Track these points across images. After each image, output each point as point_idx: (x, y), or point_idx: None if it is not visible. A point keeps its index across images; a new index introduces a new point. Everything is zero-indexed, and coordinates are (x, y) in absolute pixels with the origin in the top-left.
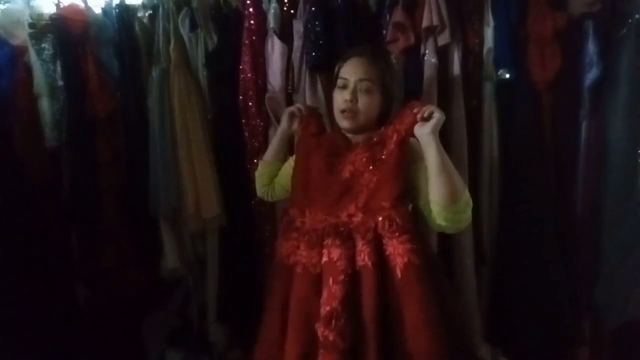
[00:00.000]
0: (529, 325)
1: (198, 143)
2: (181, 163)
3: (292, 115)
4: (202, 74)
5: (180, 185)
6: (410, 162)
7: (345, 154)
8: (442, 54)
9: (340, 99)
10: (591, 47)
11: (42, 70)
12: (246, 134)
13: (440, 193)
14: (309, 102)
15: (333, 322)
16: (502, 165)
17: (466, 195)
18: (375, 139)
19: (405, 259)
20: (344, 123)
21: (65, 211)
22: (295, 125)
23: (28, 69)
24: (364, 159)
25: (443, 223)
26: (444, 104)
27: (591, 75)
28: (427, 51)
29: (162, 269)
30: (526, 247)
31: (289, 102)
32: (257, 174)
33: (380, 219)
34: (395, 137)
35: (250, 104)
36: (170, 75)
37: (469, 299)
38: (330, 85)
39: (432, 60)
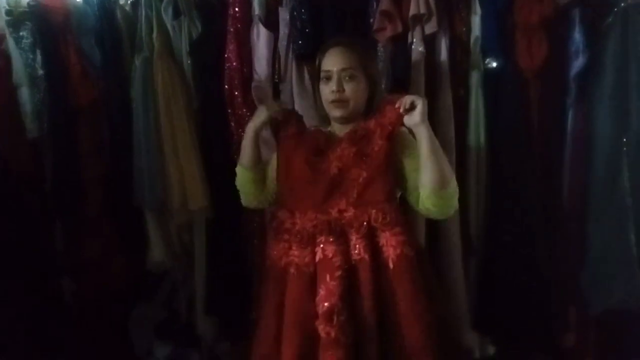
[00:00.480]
0: (516, 313)
1: (183, 133)
2: (166, 153)
3: (267, 118)
4: (186, 62)
5: (165, 177)
6: (399, 151)
7: (327, 151)
8: (430, 42)
9: (327, 90)
10: (577, 36)
11: (21, 59)
12: (232, 124)
13: (430, 178)
14: (295, 91)
15: (334, 318)
16: (489, 154)
17: (454, 183)
18: (359, 133)
19: (398, 251)
20: (335, 112)
21: (48, 203)
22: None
23: (6, 58)
24: (351, 154)
25: (431, 207)
26: (431, 92)
27: (577, 64)
28: (414, 40)
29: (148, 261)
30: (513, 236)
31: (276, 91)
32: (238, 184)
33: (374, 212)
34: (379, 131)
35: (236, 93)
36: (153, 64)
37: (457, 288)
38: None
39: (420, 49)
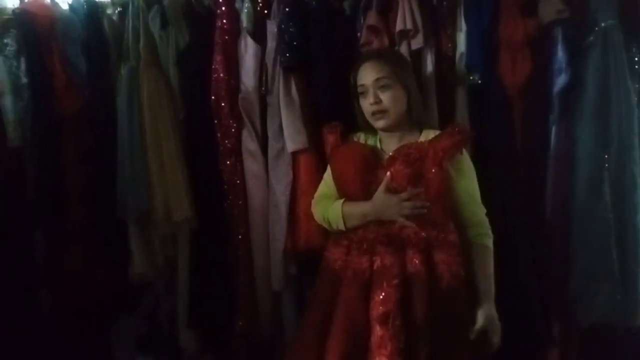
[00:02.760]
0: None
1: (168, 143)
2: (150, 164)
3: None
4: (173, 73)
5: (149, 187)
6: (451, 177)
7: (378, 169)
8: (416, 58)
9: (366, 104)
10: (560, 54)
11: (4, 66)
12: (219, 135)
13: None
14: (282, 103)
15: (390, 321)
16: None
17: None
18: (413, 156)
19: (453, 270)
20: (378, 124)
21: (29, 212)
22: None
23: None
24: (406, 175)
25: None
26: None
27: (560, 81)
28: None
29: (130, 273)
30: (497, 250)
31: (263, 103)
32: (323, 221)
33: (434, 232)
34: (432, 155)
35: (222, 104)
36: (139, 73)
37: None
38: (304, 86)
39: None
